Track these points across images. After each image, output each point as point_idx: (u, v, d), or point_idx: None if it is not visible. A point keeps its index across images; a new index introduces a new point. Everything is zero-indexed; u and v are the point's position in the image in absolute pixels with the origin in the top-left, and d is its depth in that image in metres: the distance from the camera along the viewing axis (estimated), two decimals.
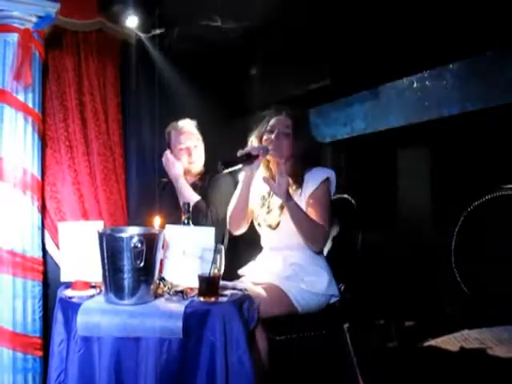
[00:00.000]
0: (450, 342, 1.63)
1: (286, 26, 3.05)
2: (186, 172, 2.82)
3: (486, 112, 2.47)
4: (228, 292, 1.99)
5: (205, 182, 2.82)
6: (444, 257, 2.15)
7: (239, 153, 2.29)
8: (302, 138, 2.39)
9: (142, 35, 3.27)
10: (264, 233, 2.48)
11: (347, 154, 3.42)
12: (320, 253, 2.40)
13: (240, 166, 2.30)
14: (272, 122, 2.42)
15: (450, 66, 2.61)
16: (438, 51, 2.59)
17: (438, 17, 2.52)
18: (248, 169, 2.34)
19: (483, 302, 2.00)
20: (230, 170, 2.31)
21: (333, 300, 2.37)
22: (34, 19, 2.72)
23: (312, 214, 2.30)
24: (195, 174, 2.85)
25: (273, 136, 2.38)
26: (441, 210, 2.67)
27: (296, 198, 2.31)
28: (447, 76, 2.64)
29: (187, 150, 2.79)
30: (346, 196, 2.63)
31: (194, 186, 2.80)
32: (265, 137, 2.42)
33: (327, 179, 2.37)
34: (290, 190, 2.30)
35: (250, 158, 2.29)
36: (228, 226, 2.51)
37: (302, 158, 2.38)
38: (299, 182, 2.36)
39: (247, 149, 2.32)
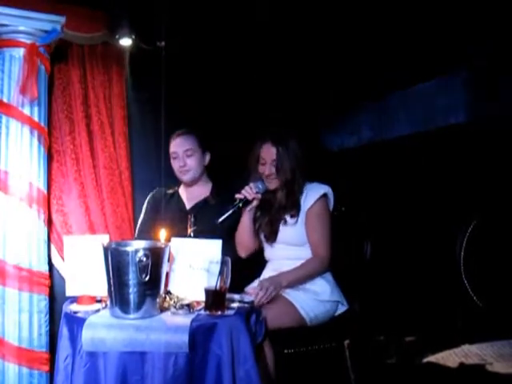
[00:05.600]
0: (449, 358, 1.59)
1: (289, 34, 3.05)
2: (182, 181, 2.80)
3: (494, 120, 2.46)
4: (235, 305, 1.97)
5: (217, 201, 2.76)
6: (453, 267, 2.12)
7: (237, 196, 2.35)
8: (286, 163, 2.37)
9: (148, 47, 3.28)
10: (266, 245, 2.49)
11: (354, 164, 3.40)
12: None
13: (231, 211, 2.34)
14: (262, 151, 2.43)
15: (457, 74, 2.60)
16: (444, 60, 2.58)
17: (443, 26, 2.51)
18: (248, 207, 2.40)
19: (496, 313, 1.97)
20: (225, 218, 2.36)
21: (340, 310, 2.35)
22: (40, 34, 2.74)
23: (312, 232, 2.31)
24: (193, 182, 2.81)
25: (266, 170, 2.40)
26: (450, 219, 2.64)
27: (293, 221, 2.33)
28: (454, 84, 2.62)
29: (177, 156, 2.75)
30: (353, 206, 2.61)
31: (205, 202, 2.77)
32: (259, 168, 2.44)
33: (324, 195, 2.36)
34: (287, 216, 2.36)
35: (247, 203, 2.36)
36: (237, 251, 2.52)
37: (294, 181, 2.38)
38: (295, 204, 2.36)
39: (244, 193, 2.35)
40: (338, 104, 3.32)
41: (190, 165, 2.75)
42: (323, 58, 3.18)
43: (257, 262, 2.57)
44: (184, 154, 2.74)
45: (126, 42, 3.04)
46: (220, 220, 2.33)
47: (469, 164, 2.63)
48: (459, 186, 2.66)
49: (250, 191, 2.35)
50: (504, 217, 2.13)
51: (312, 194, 2.36)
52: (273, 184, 2.40)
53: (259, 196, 2.37)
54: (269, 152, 2.39)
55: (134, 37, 3.04)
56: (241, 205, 2.35)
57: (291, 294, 2.27)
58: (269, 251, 2.50)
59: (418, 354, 1.67)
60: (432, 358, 1.61)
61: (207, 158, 2.82)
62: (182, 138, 2.77)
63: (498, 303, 2.02)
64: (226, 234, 2.46)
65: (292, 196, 2.39)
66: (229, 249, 2.27)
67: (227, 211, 2.33)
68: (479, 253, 2.12)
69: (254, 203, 2.39)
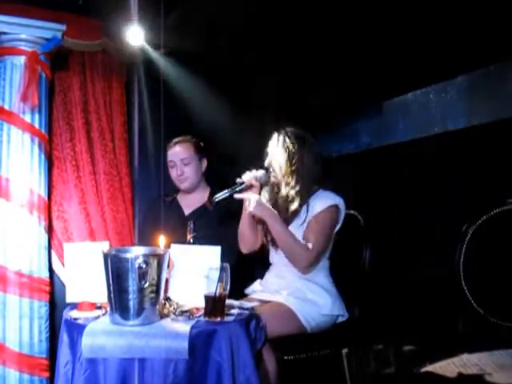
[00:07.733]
0: (448, 368, 1.57)
1: (290, 37, 3.06)
2: (180, 188, 2.81)
3: (493, 125, 2.46)
4: (235, 311, 1.97)
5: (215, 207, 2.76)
6: (453, 275, 2.11)
7: (237, 180, 2.34)
8: (276, 158, 2.38)
9: (146, 54, 3.29)
10: (271, 249, 2.49)
11: (353, 169, 3.41)
12: (323, 270, 2.39)
13: (228, 193, 2.32)
14: (269, 145, 2.45)
15: (455, 80, 2.61)
16: (442, 65, 2.59)
17: (441, 31, 2.52)
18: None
19: (496, 320, 1.96)
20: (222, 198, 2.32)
21: (340, 320, 2.34)
22: (41, 41, 2.76)
23: (309, 232, 2.30)
24: (191, 189, 2.81)
25: (265, 163, 2.41)
26: (449, 225, 2.64)
27: (299, 222, 2.32)
28: (452, 90, 2.63)
29: (175, 165, 2.76)
30: (352, 212, 2.61)
31: (204, 209, 2.75)
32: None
33: (335, 206, 2.35)
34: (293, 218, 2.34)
35: (246, 188, 2.34)
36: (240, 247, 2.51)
37: (300, 179, 2.37)
38: (302, 205, 2.36)
39: (243, 177, 2.35)
40: (336, 109, 3.33)
41: (188, 173, 2.76)
42: (323, 63, 3.19)
43: (257, 267, 2.57)
44: (181, 163, 2.75)
45: (137, 41, 3.01)
46: (216, 199, 2.32)
47: (469, 169, 2.63)
48: (458, 192, 2.67)
49: (249, 176, 2.36)
50: (504, 222, 2.13)
51: (321, 203, 2.33)
52: (271, 177, 2.41)
53: (257, 184, 2.36)
54: (268, 146, 2.44)
55: (132, 44, 3.04)
56: (238, 189, 2.34)
57: (292, 303, 2.26)
58: (273, 255, 2.49)
59: (417, 364, 1.66)
60: (430, 368, 1.59)
61: (204, 164, 2.83)
62: (178, 147, 2.78)
63: (498, 311, 2.01)
64: (226, 239, 2.46)
65: (292, 194, 2.37)
66: (229, 254, 2.28)
67: (226, 192, 2.32)
68: (479, 259, 2.12)
69: (253, 191, 2.37)
